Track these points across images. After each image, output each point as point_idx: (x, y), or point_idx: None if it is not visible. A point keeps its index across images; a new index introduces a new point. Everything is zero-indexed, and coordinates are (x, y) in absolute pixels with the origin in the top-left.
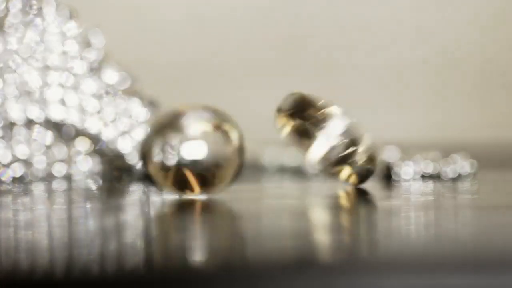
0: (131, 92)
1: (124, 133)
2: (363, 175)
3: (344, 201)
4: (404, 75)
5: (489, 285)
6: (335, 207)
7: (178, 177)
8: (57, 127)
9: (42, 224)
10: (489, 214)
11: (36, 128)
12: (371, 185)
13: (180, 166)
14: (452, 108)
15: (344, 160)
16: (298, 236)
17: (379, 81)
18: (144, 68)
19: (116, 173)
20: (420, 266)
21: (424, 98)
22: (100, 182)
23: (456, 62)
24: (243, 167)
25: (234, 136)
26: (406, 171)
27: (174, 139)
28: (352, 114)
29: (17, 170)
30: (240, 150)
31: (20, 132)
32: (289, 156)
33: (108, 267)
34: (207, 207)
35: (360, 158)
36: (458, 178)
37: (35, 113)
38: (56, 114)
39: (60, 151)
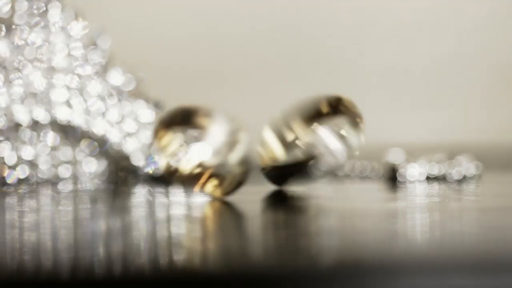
0: (136, 94)
1: (129, 134)
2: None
3: (348, 203)
4: (410, 77)
5: (494, 286)
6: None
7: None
8: (62, 129)
9: (47, 225)
10: (494, 216)
11: (42, 130)
12: (377, 187)
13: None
14: (457, 110)
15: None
16: (307, 238)
17: (385, 83)
18: (149, 70)
19: (121, 175)
20: (425, 267)
21: (430, 100)
22: (106, 183)
23: (461, 64)
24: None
25: (245, 141)
26: (412, 173)
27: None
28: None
29: (23, 171)
30: (248, 156)
31: (25, 134)
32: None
33: (112, 269)
34: (216, 209)
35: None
36: (463, 180)
37: (41, 115)
38: (62, 115)
39: (66, 152)
